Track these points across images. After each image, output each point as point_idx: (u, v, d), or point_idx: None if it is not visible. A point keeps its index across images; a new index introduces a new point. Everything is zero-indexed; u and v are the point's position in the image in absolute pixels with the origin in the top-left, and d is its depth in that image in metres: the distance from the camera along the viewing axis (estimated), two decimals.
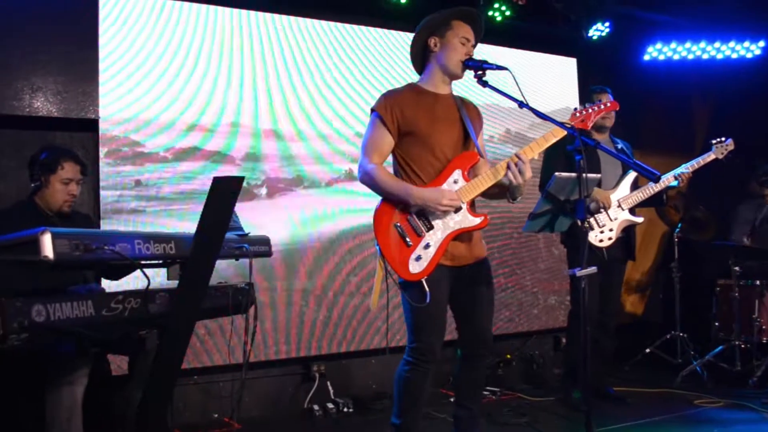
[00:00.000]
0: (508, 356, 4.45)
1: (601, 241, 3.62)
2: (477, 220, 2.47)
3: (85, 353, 2.55)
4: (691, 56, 5.33)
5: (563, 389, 3.90)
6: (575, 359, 3.71)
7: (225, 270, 3.55)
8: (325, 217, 4.01)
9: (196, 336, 3.51)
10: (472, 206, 2.53)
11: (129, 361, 2.89)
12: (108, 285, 3.04)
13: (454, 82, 2.66)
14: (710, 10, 5.01)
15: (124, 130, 3.54)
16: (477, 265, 2.58)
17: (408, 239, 2.42)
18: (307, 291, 3.95)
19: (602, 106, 2.47)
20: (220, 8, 3.84)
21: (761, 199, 4.64)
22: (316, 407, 3.77)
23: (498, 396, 4.01)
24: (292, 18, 4.06)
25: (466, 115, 2.60)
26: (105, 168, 3.48)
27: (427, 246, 2.42)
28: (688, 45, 5.30)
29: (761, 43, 5.21)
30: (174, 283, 2.32)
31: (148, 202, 3.56)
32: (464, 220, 2.45)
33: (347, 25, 4.24)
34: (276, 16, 4.01)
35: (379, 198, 2.51)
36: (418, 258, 2.41)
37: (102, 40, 3.50)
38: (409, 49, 2.66)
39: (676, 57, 5.34)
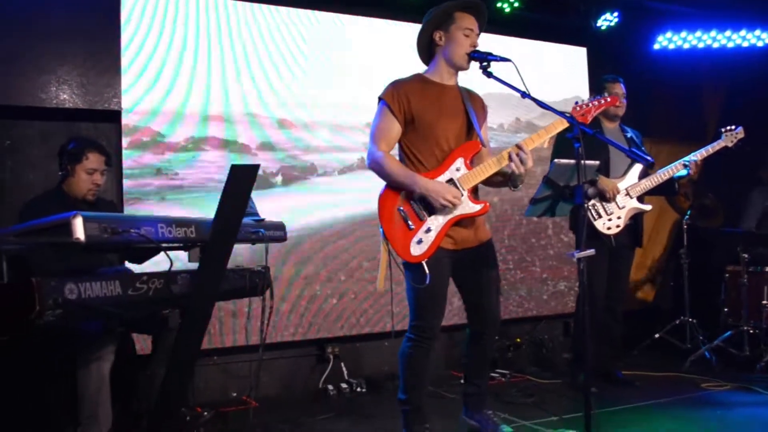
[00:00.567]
0: (518, 340, 4.55)
1: (609, 228, 3.70)
2: (477, 207, 2.58)
3: (112, 332, 2.70)
4: (701, 45, 5.34)
5: (571, 372, 4.00)
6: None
7: (242, 255, 3.68)
8: (338, 204, 4.14)
9: (215, 318, 3.66)
10: (474, 193, 2.64)
11: (152, 340, 3.04)
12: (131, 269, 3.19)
13: (462, 72, 2.76)
14: None
15: (145, 120, 3.68)
16: (482, 248, 2.69)
17: (410, 223, 2.54)
18: (320, 275, 4.08)
19: (602, 101, 2.58)
20: (237, 1, 3.95)
21: None
22: (330, 387, 3.90)
23: (507, 378, 4.12)
24: (302, 11, 4.16)
25: (471, 107, 2.70)
26: (127, 157, 3.63)
27: (428, 230, 2.54)
28: (698, 34, 5.31)
29: None
30: (195, 266, 2.46)
31: (168, 189, 3.71)
32: (465, 206, 2.56)
33: (357, 17, 4.34)
34: (290, 9, 4.12)
35: (384, 183, 2.63)
36: (420, 241, 2.53)
37: (124, 34, 3.64)
38: (416, 42, 2.77)
39: (686, 46, 5.35)
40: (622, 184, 3.74)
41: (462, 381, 2.99)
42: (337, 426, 3.21)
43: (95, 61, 3.63)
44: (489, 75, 2.59)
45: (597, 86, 3.94)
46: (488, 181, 2.67)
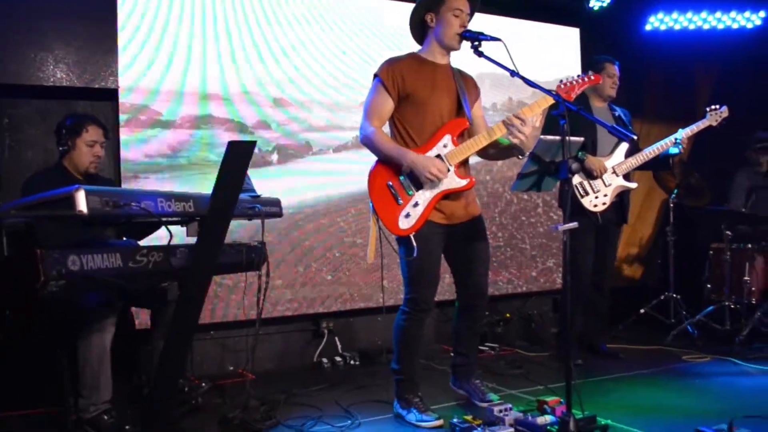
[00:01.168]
0: (508, 315, 4.67)
1: (595, 206, 3.80)
2: (463, 182, 2.69)
3: (112, 304, 2.79)
4: (692, 26, 5.41)
5: (558, 346, 4.13)
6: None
7: (238, 231, 3.76)
8: (333, 181, 4.21)
9: (212, 293, 3.75)
10: (461, 168, 2.73)
11: (151, 315, 3.14)
12: None
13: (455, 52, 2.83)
14: None
15: (142, 98, 3.73)
16: (471, 223, 2.80)
17: (399, 198, 2.65)
18: (316, 252, 4.17)
19: (586, 79, 2.67)
20: None
21: (758, 166, 4.79)
22: (324, 360, 4.02)
23: (497, 351, 4.24)
24: None
25: (462, 86, 2.79)
26: (124, 135, 3.68)
27: (416, 204, 2.64)
28: (689, 15, 5.38)
29: (762, 14, 5.29)
30: (193, 240, 2.54)
31: (165, 167, 3.77)
32: (452, 181, 2.67)
33: None
34: None
35: (375, 159, 2.72)
36: (408, 215, 2.64)
37: (120, 12, 3.67)
38: (408, 23, 2.84)
39: (677, 27, 5.42)
40: (609, 162, 3.83)
41: (451, 353, 3.11)
42: (332, 395, 3.32)
43: (92, 40, 3.67)
44: (480, 54, 2.67)
45: (591, 66, 4.00)
46: (485, 154, 2.77)
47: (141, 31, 3.72)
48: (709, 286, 4.69)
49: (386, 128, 2.84)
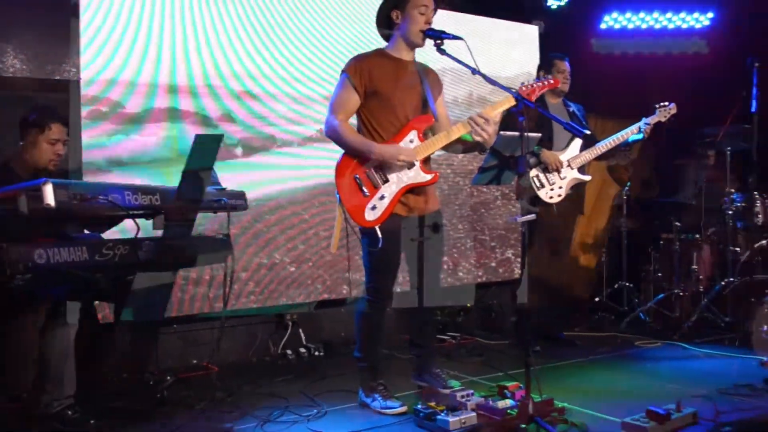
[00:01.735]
0: (468, 305, 4.79)
1: (551, 197, 3.93)
2: (428, 176, 2.78)
3: (77, 298, 2.77)
4: (644, 26, 5.63)
5: (516, 334, 4.26)
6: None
7: (204, 224, 3.76)
8: (297, 175, 4.23)
9: (175, 286, 3.74)
10: (426, 163, 2.82)
11: (114, 309, 3.12)
12: None
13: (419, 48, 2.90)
14: None
15: (103, 91, 3.67)
16: (431, 217, 2.89)
17: (365, 190, 2.72)
18: (280, 244, 4.19)
19: (546, 83, 2.78)
20: None
21: (705, 159, 5.01)
22: (289, 352, 4.06)
23: (458, 340, 4.36)
24: None
25: (426, 82, 2.87)
26: (86, 128, 3.63)
27: (382, 197, 2.72)
28: (641, 15, 5.59)
29: (710, 14, 5.52)
30: (159, 233, 2.55)
31: (128, 161, 3.73)
32: (417, 175, 2.75)
33: None
34: None
35: (340, 153, 2.78)
36: (374, 207, 2.71)
37: (83, 2, 3.61)
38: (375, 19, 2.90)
39: (630, 26, 5.63)
40: (564, 156, 3.97)
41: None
42: (296, 386, 3.37)
43: (52, 30, 3.59)
44: (442, 52, 2.75)
45: (544, 62, 4.13)
46: (448, 148, 2.86)
47: (106, 21, 3.65)
48: (659, 274, 4.89)
49: (353, 123, 2.90)
